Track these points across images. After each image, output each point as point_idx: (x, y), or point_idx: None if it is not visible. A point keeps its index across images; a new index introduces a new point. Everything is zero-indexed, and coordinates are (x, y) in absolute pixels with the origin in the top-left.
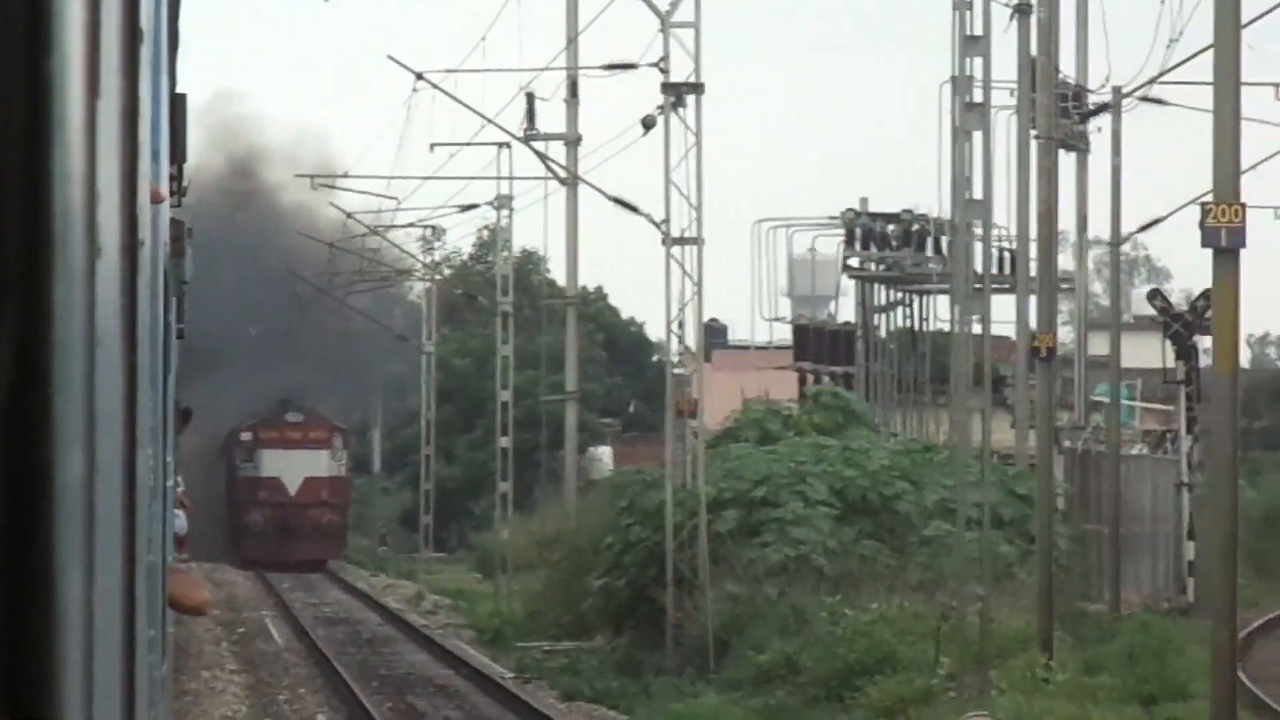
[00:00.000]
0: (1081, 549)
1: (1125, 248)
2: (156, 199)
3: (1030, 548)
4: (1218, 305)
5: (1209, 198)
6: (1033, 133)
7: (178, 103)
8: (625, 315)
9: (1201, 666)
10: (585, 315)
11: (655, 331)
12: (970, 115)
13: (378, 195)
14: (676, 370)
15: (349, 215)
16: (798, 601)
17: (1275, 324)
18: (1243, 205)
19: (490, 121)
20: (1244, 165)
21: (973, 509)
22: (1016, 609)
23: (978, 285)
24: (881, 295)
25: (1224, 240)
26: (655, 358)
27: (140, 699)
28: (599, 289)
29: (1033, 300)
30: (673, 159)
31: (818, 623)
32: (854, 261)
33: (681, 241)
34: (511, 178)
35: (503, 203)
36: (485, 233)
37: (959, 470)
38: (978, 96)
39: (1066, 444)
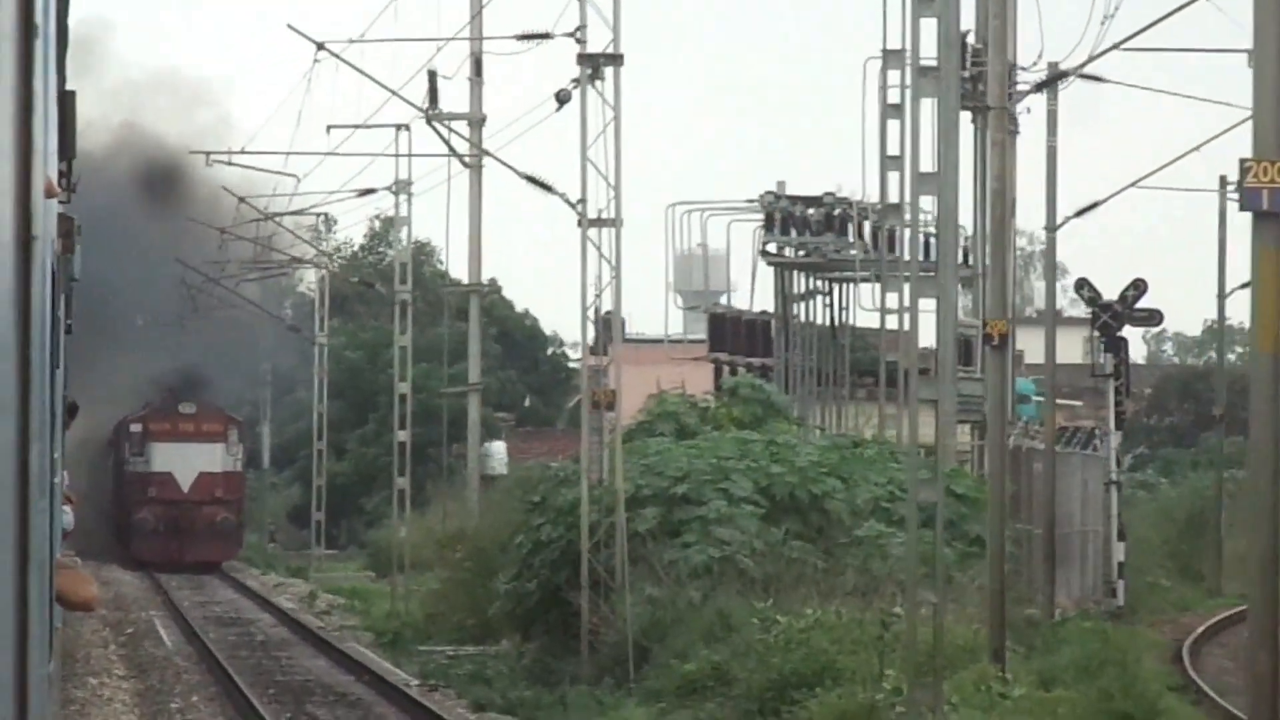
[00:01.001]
0: (1018, 551)
1: (1021, 242)
2: (50, 194)
3: (970, 549)
4: (1259, 276)
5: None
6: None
7: (67, 99)
8: (519, 308)
9: (1162, 679)
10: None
11: (550, 324)
12: (925, 81)
13: (276, 173)
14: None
15: (241, 200)
16: (724, 606)
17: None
18: None
19: (394, 94)
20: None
21: (905, 508)
22: (960, 616)
23: (921, 271)
24: (800, 283)
25: (1265, 202)
26: (550, 351)
27: (33, 696)
28: (493, 280)
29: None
30: (589, 135)
31: (747, 629)
32: (772, 247)
33: (599, 223)
34: (413, 155)
35: (401, 188)
36: (377, 222)
37: (910, 467)
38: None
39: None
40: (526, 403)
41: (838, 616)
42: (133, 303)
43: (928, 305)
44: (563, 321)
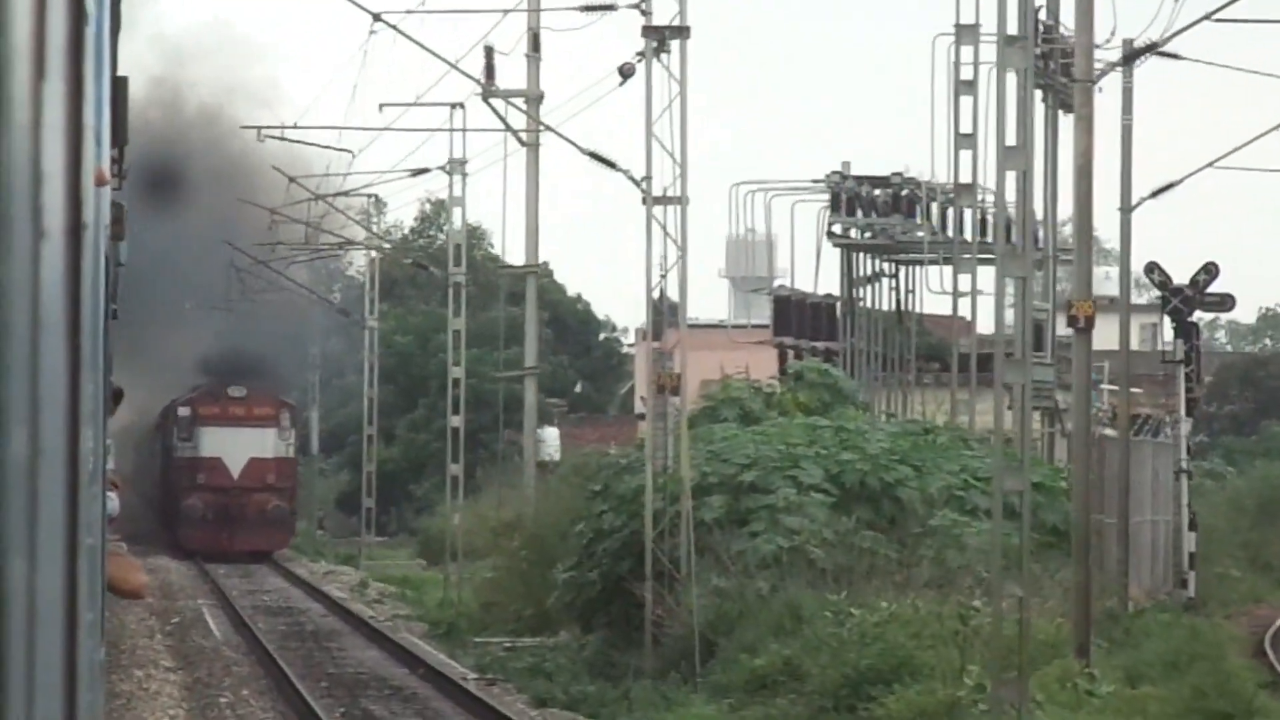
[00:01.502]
0: (1095, 541)
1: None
2: (101, 182)
3: (1047, 540)
4: None
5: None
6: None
7: (119, 85)
8: (571, 292)
9: (1253, 674)
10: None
11: (603, 309)
12: (1011, 51)
13: (330, 149)
14: (629, 347)
15: (291, 180)
16: (793, 598)
17: None
18: None
19: (453, 66)
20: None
21: (982, 498)
22: (1041, 610)
23: (967, 251)
24: (866, 266)
25: None
26: (602, 336)
27: (81, 683)
28: (544, 264)
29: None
30: (654, 110)
31: (819, 623)
32: (838, 228)
33: (664, 201)
34: (470, 130)
35: (455, 167)
36: (428, 205)
37: (995, 454)
38: (985, 47)
39: (1069, 426)
40: (578, 389)
41: (914, 610)
42: (179, 284)
43: (987, 288)
44: (615, 306)
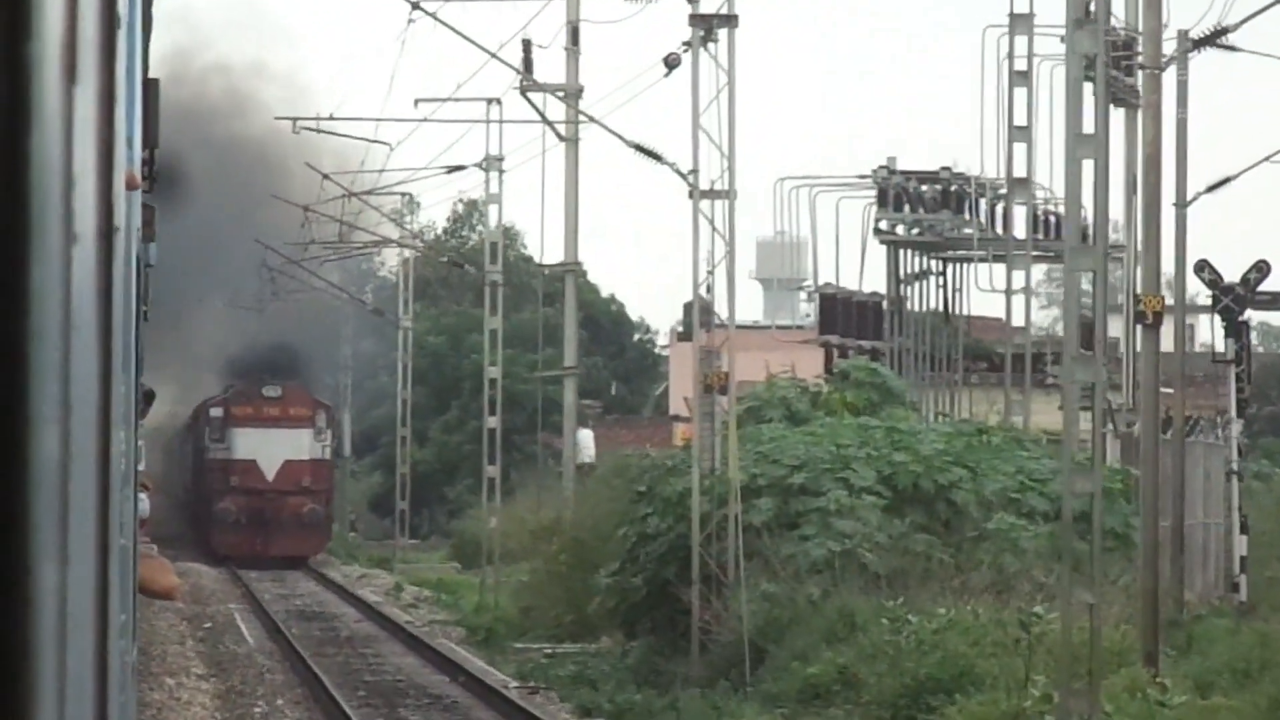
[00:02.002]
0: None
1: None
2: (132, 185)
3: (1107, 545)
4: None
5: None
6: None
7: (150, 87)
8: (604, 293)
9: None
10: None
11: (636, 310)
12: (1080, 35)
13: (367, 140)
14: (663, 348)
15: (325, 176)
16: (846, 604)
17: None
18: None
19: (493, 56)
20: None
21: (1038, 500)
22: (1104, 616)
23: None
24: (913, 263)
25: None
26: (636, 337)
27: (112, 685)
28: (577, 264)
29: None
30: (700, 102)
31: (874, 629)
32: (884, 224)
33: (711, 195)
34: (509, 122)
35: (492, 164)
36: (460, 205)
37: (1066, 454)
38: (1040, 39)
39: (1123, 428)
40: (613, 390)
41: (974, 616)
42: (210, 282)
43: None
44: (648, 307)
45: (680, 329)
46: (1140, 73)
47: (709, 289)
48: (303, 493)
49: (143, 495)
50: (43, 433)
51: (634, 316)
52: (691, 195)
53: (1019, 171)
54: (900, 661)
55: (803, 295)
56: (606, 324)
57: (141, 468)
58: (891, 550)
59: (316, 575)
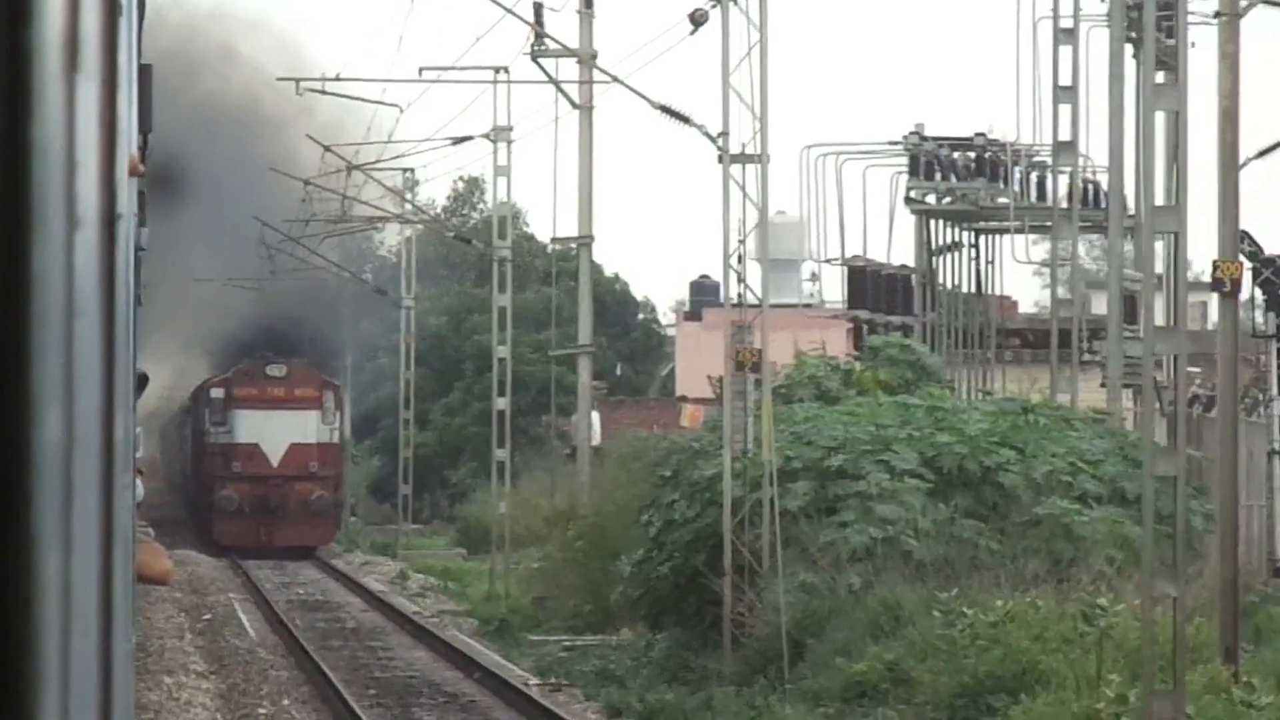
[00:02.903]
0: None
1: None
2: (135, 172)
3: (1165, 529)
4: None
5: None
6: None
7: (144, 74)
8: (608, 272)
9: None
10: (568, 272)
11: (641, 289)
12: None
13: (376, 103)
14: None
15: (327, 148)
16: (890, 595)
17: None
18: None
19: (510, 11)
20: None
21: (1091, 483)
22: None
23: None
24: (944, 235)
25: None
26: (641, 316)
27: (117, 673)
28: (591, 237)
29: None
30: (730, 61)
31: (923, 622)
32: (916, 194)
33: (742, 159)
34: (519, 82)
35: (499, 135)
36: (460, 184)
37: (1145, 431)
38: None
39: (1170, 406)
40: (617, 371)
41: (1034, 609)
42: (205, 259)
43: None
44: (653, 286)
45: (686, 308)
46: (1217, 20)
47: (740, 259)
48: (310, 479)
49: (136, 480)
50: (45, 418)
51: (638, 296)
52: (721, 160)
53: (1064, 135)
54: (956, 658)
55: (805, 274)
56: (611, 303)
57: (140, 454)
58: (936, 537)
59: (319, 563)
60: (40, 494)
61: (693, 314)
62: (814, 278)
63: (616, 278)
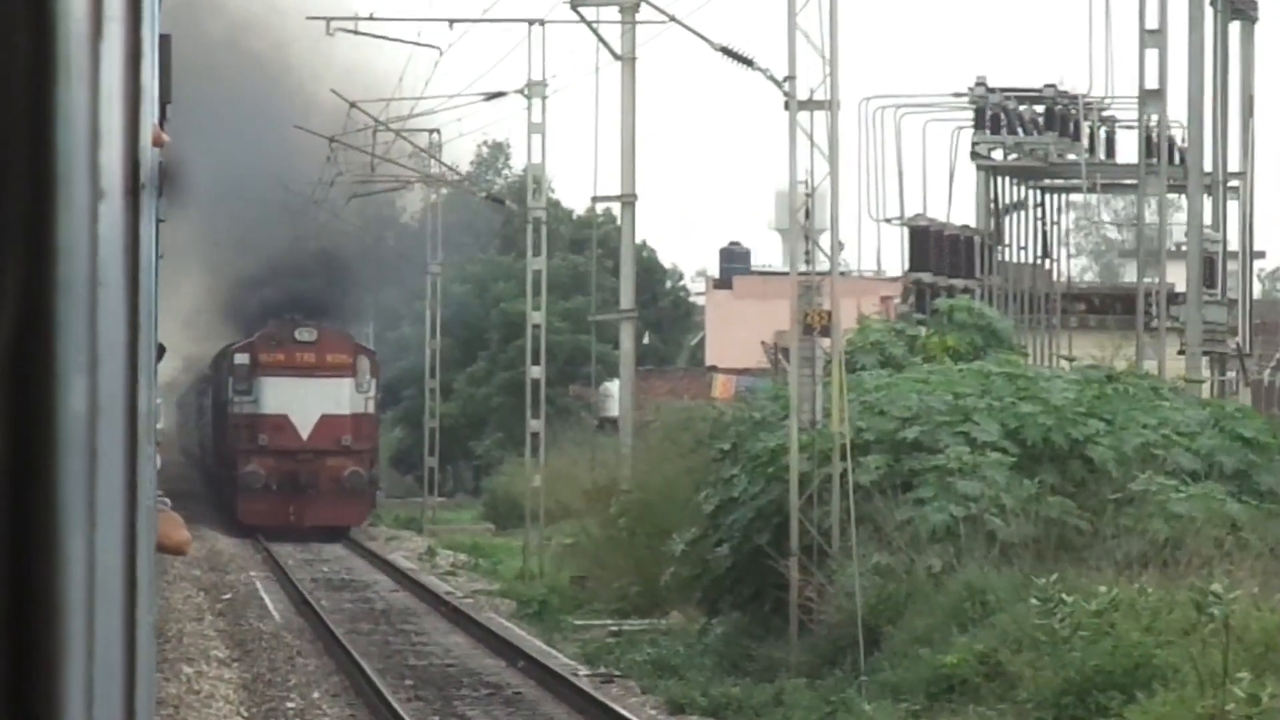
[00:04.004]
0: None
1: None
2: (158, 142)
3: (1269, 507)
4: None
5: None
6: None
7: (163, 43)
8: (636, 238)
9: None
10: (587, 239)
11: (668, 257)
12: None
13: (413, 44)
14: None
15: (352, 105)
16: (974, 578)
17: None
18: None
19: None
20: None
21: (1186, 457)
22: (1267, 590)
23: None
24: (1009, 192)
25: None
26: (669, 284)
27: (142, 645)
28: (607, 210)
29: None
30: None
31: (1016, 610)
32: (982, 148)
33: (810, 105)
34: (549, 22)
35: (534, 90)
36: (485, 149)
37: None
38: None
39: (1254, 375)
40: (645, 340)
41: (1142, 596)
42: (229, 223)
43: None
44: (681, 253)
45: (715, 276)
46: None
47: (808, 213)
48: (343, 453)
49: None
50: (70, 389)
51: (666, 264)
52: (788, 106)
53: (1150, 83)
54: (1060, 651)
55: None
56: (639, 271)
57: (160, 425)
58: (1020, 515)
59: (341, 535)
60: (65, 464)
61: (722, 282)
62: (841, 245)
63: (644, 245)
